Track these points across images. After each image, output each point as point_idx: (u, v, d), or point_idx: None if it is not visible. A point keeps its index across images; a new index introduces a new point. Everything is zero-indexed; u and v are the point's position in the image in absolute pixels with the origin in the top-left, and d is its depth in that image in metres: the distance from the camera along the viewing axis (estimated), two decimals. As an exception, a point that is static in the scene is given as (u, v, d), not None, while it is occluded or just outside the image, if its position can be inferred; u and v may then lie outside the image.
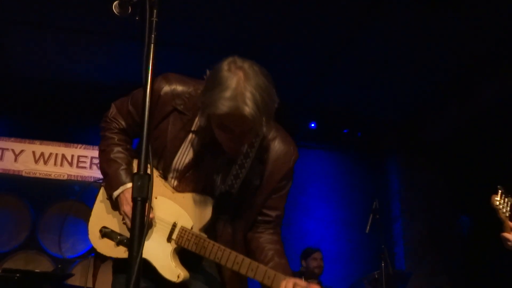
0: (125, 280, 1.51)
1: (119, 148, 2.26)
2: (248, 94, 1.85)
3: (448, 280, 7.36)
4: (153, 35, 1.68)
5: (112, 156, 2.24)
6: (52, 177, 6.74)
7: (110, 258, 2.17)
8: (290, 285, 1.90)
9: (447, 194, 7.80)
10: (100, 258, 2.23)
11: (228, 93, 1.85)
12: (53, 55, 6.29)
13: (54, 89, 6.93)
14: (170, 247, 2.09)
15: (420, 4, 5.10)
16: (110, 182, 2.19)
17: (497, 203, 3.34)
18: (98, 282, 2.24)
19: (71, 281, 4.83)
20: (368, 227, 5.72)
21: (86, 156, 6.85)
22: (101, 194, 2.29)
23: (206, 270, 2.23)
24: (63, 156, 6.86)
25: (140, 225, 1.52)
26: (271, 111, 1.95)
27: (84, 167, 6.83)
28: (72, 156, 6.88)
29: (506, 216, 3.31)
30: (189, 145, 2.18)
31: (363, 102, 7.25)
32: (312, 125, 7.68)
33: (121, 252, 2.12)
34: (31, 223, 6.36)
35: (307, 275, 5.94)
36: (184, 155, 2.18)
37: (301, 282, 1.90)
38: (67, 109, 7.00)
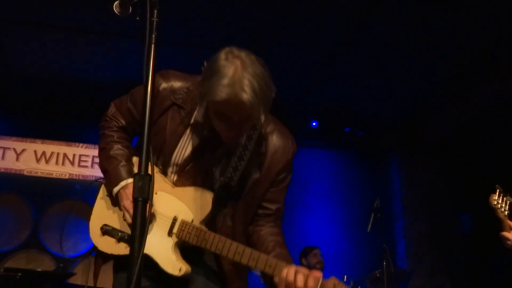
0: (125, 280, 1.51)
1: (119, 146, 2.27)
2: (245, 82, 1.87)
3: (449, 279, 7.36)
4: (153, 35, 1.67)
5: (111, 153, 2.25)
6: (54, 176, 6.75)
7: (111, 256, 2.16)
8: (292, 272, 1.90)
9: (448, 193, 7.80)
10: (102, 257, 2.22)
11: (226, 81, 1.87)
12: (54, 54, 6.29)
13: (56, 89, 6.93)
14: (171, 241, 2.09)
15: (420, 4, 5.09)
16: (110, 178, 2.20)
17: (495, 202, 3.34)
18: (99, 281, 2.24)
19: (72, 280, 4.84)
20: (369, 226, 5.73)
21: (87, 155, 6.87)
22: (101, 191, 2.30)
23: (206, 265, 2.23)
24: (65, 155, 6.88)
25: (141, 225, 1.53)
26: (268, 99, 1.97)
27: (86, 166, 6.85)
28: (74, 155, 6.90)
29: (505, 215, 3.31)
30: (188, 139, 2.19)
31: (364, 101, 7.24)
32: (314, 124, 7.68)
33: (122, 249, 2.12)
34: (33, 222, 6.38)
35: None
36: (183, 149, 2.18)
37: (303, 269, 1.90)
38: (69, 108, 7.01)
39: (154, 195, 2.15)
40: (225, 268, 2.20)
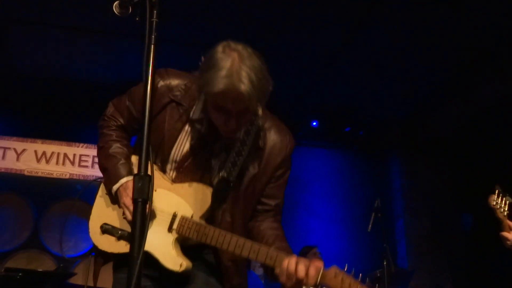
0: (125, 280, 1.51)
1: (118, 144, 2.28)
2: (243, 73, 1.90)
3: (451, 278, 7.36)
4: (153, 36, 1.68)
5: (110, 151, 2.25)
6: (54, 176, 6.76)
7: (112, 254, 2.15)
8: (293, 262, 1.91)
9: (449, 192, 7.79)
10: (102, 257, 2.22)
11: (223, 72, 1.90)
12: (55, 54, 6.29)
13: (56, 88, 6.93)
14: (171, 237, 2.10)
15: (420, 4, 5.09)
16: (109, 176, 2.20)
17: (494, 202, 3.35)
18: (99, 281, 2.24)
19: (73, 280, 4.85)
20: (370, 226, 5.71)
21: (88, 155, 6.87)
22: (100, 190, 2.30)
23: (206, 263, 2.23)
24: (65, 155, 6.88)
25: (141, 226, 1.53)
26: (266, 91, 2.00)
27: (86, 166, 6.85)
28: (74, 155, 6.90)
29: (504, 216, 3.32)
30: (187, 135, 2.20)
31: (365, 100, 7.24)
32: (314, 123, 7.68)
33: (122, 247, 2.12)
34: (33, 222, 6.39)
35: None
36: (181, 145, 2.19)
37: (304, 259, 1.91)
38: (69, 108, 7.01)
39: (153, 192, 2.16)
40: (224, 265, 2.20)
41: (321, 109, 7.52)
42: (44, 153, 6.82)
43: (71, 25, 5.66)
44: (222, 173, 2.16)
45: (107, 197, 2.25)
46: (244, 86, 1.89)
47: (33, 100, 7.00)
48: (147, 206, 1.57)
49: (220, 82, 1.89)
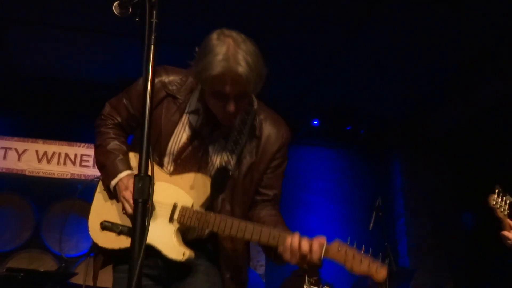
0: (125, 280, 1.51)
1: (116, 142, 2.29)
2: (240, 56, 1.93)
3: (452, 277, 7.36)
4: (153, 36, 1.68)
5: (108, 148, 2.27)
6: (55, 176, 6.76)
7: (113, 250, 2.14)
8: (296, 238, 1.95)
9: (450, 190, 7.79)
10: (103, 253, 2.21)
11: (220, 56, 1.93)
12: (55, 54, 6.29)
13: (57, 88, 6.94)
14: (173, 228, 2.10)
15: (421, 3, 5.09)
16: (107, 172, 2.21)
17: (494, 202, 3.34)
18: (98, 281, 2.24)
19: (74, 280, 4.85)
20: (371, 225, 5.71)
21: (89, 155, 6.87)
22: (99, 187, 2.30)
23: (206, 256, 2.23)
24: (66, 155, 6.88)
25: (141, 227, 1.53)
26: (262, 75, 2.02)
27: (87, 166, 6.85)
28: (75, 155, 6.90)
29: (505, 215, 3.31)
30: (184, 127, 2.21)
31: (366, 99, 7.23)
32: (315, 122, 7.67)
33: (123, 242, 2.12)
34: (35, 222, 6.39)
35: (310, 268, 5.96)
36: (179, 137, 2.20)
37: (306, 237, 1.95)
38: (70, 108, 7.01)
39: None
40: (224, 255, 2.20)
41: (322, 108, 7.52)
42: (45, 153, 6.83)
43: (71, 25, 5.66)
44: (221, 162, 2.18)
45: (105, 193, 2.26)
46: (242, 68, 1.92)
47: (34, 100, 7.00)
48: (148, 206, 1.57)
49: (218, 66, 1.92)
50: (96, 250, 2.24)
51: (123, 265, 2.15)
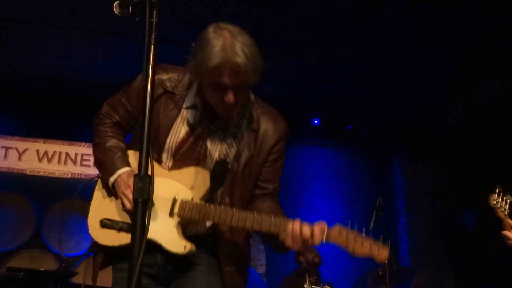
0: (124, 279, 1.52)
1: (114, 140, 2.30)
2: (237, 47, 1.96)
3: (452, 276, 7.36)
4: (153, 36, 1.68)
5: (107, 145, 2.27)
6: (56, 175, 6.77)
7: (113, 248, 2.14)
8: (297, 224, 1.97)
9: (451, 190, 7.79)
10: (103, 251, 2.20)
11: (218, 48, 1.96)
12: (56, 53, 6.29)
13: (58, 88, 6.94)
14: (173, 221, 2.10)
15: (421, 2, 5.09)
16: (106, 169, 2.21)
17: (495, 202, 3.35)
18: (98, 280, 2.23)
19: (75, 279, 4.85)
20: (372, 224, 5.71)
21: (90, 155, 6.86)
22: (97, 186, 2.30)
23: (205, 260, 2.22)
24: (67, 154, 6.89)
25: (141, 227, 1.53)
26: (259, 66, 2.04)
27: (88, 165, 6.86)
28: (76, 154, 6.91)
29: (505, 215, 3.31)
30: (182, 122, 2.22)
31: (366, 98, 7.24)
32: (316, 121, 7.67)
33: (124, 238, 2.11)
34: (36, 221, 6.40)
35: (310, 267, 5.97)
36: (177, 133, 2.21)
37: (308, 223, 1.97)
38: (71, 107, 7.01)
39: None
40: (224, 249, 2.20)
41: (323, 107, 7.52)
42: (46, 153, 6.83)
43: (71, 25, 5.67)
44: (219, 155, 2.19)
45: (104, 191, 2.26)
46: (240, 58, 1.94)
47: (35, 100, 7.01)
48: (147, 206, 1.57)
49: (216, 56, 1.94)
50: (96, 248, 2.24)
51: (123, 264, 2.15)
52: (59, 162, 6.83)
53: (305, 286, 5.01)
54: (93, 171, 6.75)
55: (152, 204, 2.10)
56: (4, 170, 6.65)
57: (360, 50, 5.99)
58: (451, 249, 7.47)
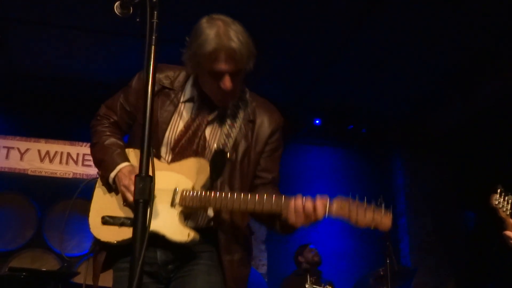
0: (125, 278, 1.52)
1: (112, 138, 2.32)
2: (231, 33, 2.04)
3: (453, 276, 7.36)
4: (153, 37, 1.69)
5: (106, 144, 2.29)
6: (58, 175, 6.77)
7: (115, 244, 2.14)
8: (299, 199, 2.00)
9: (452, 189, 7.79)
10: (105, 249, 2.20)
11: (212, 35, 2.03)
12: (58, 53, 6.29)
13: (59, 87, 6.94)
14: (175, 211, 2.11)
15: (421, 2, 5.09)
16: (106, 166, 2.23)
17: (496, 202, 3.34)
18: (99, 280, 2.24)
19: (77, 279, 4.86)
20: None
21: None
22: (97, 183, 2.32)
23: (205, 259, 2.23)
24: (69, 154, 6.89)
25: (142, 227, 1.53)
26: (253, 52, 2.11)
27: (90, 165, 6.85)
28: (78, 154, 6.91)
29: (507, 215, 3.31)
30: (179, 116, 2.25)
31: (367, 98, 7.24)
32: (317, 121, 7.66)
33: (126, 233, 2.09)
34: (37, 221, 6.40)
35: (311, 267, 5.98)
36: (175, 127, 2.24)
37: (310, 198, 2.00)
38: (72, 107, 7.00)
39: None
40: (224, 240, 2.21)
41: (324, 107, 7.51)
42: (47, 153, 6.83)
43: (71, 25, 5.67)
44: (218, 145, 2.21)
45: (104, 189, 2.27)
46: (234, 43, 2.01)
47: (36, 100, 7.00)
48: (148, 206, 1.58)
49: (211, 42, 2.01)
50: (97, 246, 2.25)
51: (123, 264, 2.16)
52: (60, 162, 6.83)
53: (306, 286, 5.01)
54: (95, 171, 6.71)
55: (154, 197, 2.12)
56: (6, 170, 6.65)
57: (360, 50, 6.00)
58: (452, 249, 7.47)
